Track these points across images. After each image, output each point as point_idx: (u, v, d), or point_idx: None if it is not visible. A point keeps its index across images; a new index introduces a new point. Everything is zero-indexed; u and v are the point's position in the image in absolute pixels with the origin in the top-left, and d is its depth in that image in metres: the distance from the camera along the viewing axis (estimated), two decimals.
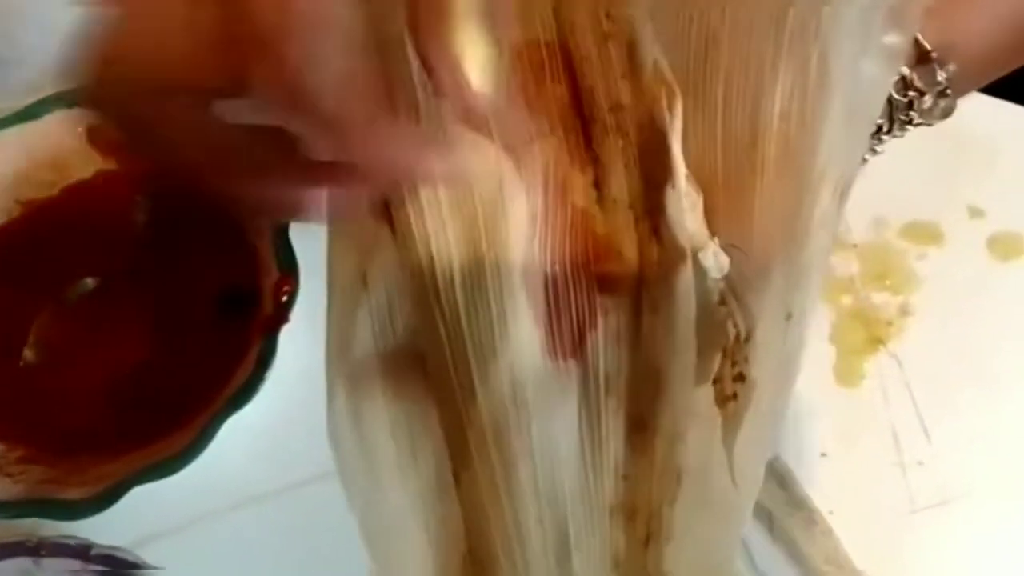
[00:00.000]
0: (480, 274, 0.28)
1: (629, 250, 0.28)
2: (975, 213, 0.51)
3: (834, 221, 0.29)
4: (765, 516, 0.45)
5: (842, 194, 0.29)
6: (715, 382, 0.29)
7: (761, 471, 0.31)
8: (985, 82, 0.38)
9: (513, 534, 0.29)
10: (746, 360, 0.28)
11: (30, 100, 0.44)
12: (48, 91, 0.44)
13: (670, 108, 0.28)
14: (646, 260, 0.28)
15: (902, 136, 0.36)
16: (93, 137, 0.45)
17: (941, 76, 0.34)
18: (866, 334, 0.49)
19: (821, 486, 0.46)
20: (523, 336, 0.28)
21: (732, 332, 0.28)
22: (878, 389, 0.48)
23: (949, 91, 0.34)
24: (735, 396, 0.29)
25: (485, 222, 0.28)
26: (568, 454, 0.29)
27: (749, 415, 0.29)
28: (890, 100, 0.34)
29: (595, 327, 0.28)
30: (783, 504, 0.46)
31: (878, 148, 0.36)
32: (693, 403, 0.29)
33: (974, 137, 0.52)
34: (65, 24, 0.26)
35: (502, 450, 0.29)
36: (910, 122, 0.35)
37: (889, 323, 0.49)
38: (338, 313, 0.31)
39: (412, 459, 0.30)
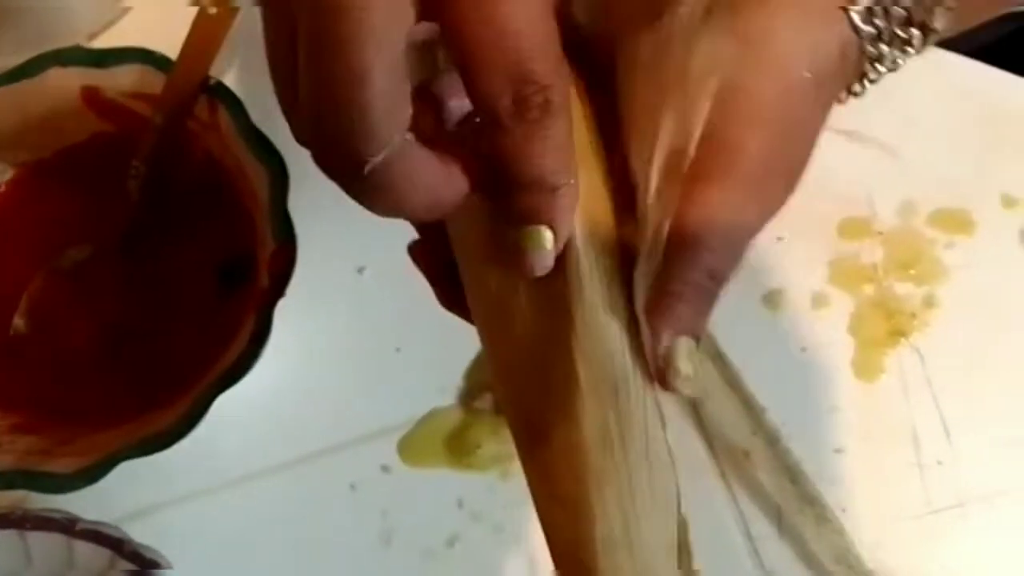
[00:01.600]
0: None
1: None
2: (1009, 202, 0.49)
3: None
4: (774, 511, 0.44)
5: None
6: None
7: None
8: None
9: None
10: None
11: (25, 57, 0.43)
12: (44, 48, 0.43)
13: None
14: None
15: (893, 66, 0.30)
16: (89, 98, 0.44)
17: None
18: (888, 326, 0.47)
19: (834, 483, 0.44)
20: None
21: None
22: (898, 385, 0.46)
23: None
24: None
25: None
26: None
27: None
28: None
29: None
30: (793, 500, 0.44)
31: (880, 69, 0.31)
32: None
33: (1012, 121, 0.49)
34: None
35: None
36: (881, 37, 0.29)
37: (912, 315, 0.47)
38: None
39: None
